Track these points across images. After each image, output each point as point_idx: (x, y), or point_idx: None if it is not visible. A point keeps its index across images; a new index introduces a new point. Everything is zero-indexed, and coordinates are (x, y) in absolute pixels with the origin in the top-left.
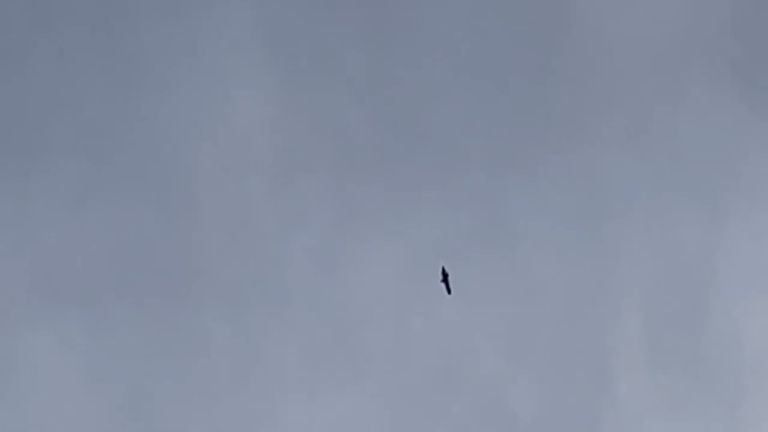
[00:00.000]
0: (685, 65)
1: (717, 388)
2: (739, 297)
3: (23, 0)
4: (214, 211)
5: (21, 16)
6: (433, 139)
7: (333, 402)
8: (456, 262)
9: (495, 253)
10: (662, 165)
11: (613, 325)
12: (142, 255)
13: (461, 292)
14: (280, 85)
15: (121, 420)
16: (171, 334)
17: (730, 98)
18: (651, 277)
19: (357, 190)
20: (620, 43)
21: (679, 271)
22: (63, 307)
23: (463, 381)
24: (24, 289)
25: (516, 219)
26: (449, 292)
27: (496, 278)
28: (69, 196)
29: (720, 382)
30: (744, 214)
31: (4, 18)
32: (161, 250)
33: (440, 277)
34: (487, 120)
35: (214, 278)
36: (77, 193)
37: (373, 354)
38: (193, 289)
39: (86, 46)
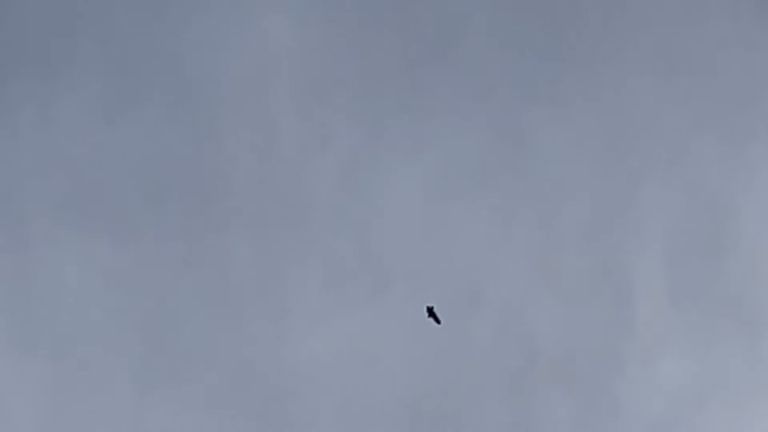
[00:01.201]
0: None
1: (737, 319)
2: (762, 227)
3: None
4: (240, 127)
5: None
6: (457, 59)
7: (354, 319)
8: (479, 183)
9: (518, 176)
10: (689, 91)
11: (634, 253)
12: (166, 169)
13: (483, 215)
14: (308, 3)
15: (143, 332)
16: (194, 248)
17: (758, 25)
18: (674, 204)
19: (382, 110)
20: None
21: (702, 200)
22: (86, 219)
23: (484, 302)
24: (47, 201)
25: (539, 142)
26: (438, 322)
27: (518, 201)
28: (94, 107)
29: (740, 313)
30: None
31: None
32: (186, 165)
33: (426, 314)
34: (512, 41)
35: (239, 194)
36: (103, 105)
37: (395, 273)
38: (216, 205)
39: None
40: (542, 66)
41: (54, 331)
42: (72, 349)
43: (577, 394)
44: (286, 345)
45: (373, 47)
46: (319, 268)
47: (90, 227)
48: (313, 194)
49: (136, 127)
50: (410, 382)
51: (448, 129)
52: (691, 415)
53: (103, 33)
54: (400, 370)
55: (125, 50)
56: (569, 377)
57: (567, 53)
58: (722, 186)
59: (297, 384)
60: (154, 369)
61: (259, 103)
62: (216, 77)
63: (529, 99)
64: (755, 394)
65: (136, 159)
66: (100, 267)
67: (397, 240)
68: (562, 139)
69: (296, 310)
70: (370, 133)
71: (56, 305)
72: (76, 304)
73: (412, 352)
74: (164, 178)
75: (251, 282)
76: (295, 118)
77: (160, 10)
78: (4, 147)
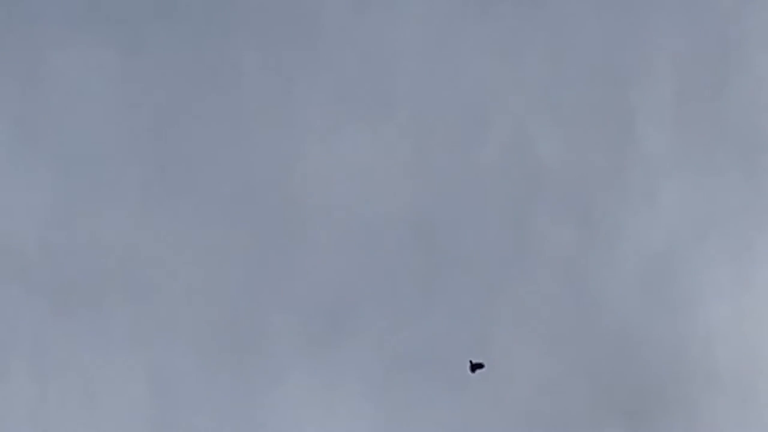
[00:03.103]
0: None
1: (740, 150)
2: None
3: None
4: None
5: None
6: None
7: (361, 136)
8: (484, 12)
9: (524, 4)
10: None
11: (641, 81)
12: None
13: (493, 41)
14: None
15: (149, 144)
16: (203, 63)
17: None
18: (682, 34)
19: None
20: None
21: (710, 31)
22: (96, 29)
23: (489, 127)
24: (57, 7)
25: None
26: (473, 370)
27: (526, 29)
28: None
29: (743, 144)
30: None
31: None
32: None
33: (470, 367)
34: None
35: (250, 8)
36: None
37: (402, 95)
38: (228, 18)
39: None
40: None
41: (59, 138)
42: (77, 157)
43: (579, 222)
44: (292, 159)
45: None
46: (328, 86)
47: (97, 35)
48: (324, 10)
49: None
50: (414, 200)
51: None
52: (691, 246)
53: None
54: (404, 187)
55: None
56: (572, 204)
57: None
58: (731, 14)
59: (302, 197)
60: (161, 181)
61: None
62: None
63: None
64: (757, 227)
65: None
66: (109, 74)
67: (406, 61)
68: None
69: (303, 125)
70: None
71: (62, 112)
72: (82, 112)
73: (416, 170)
74: None
75: (257, 95)
76: None
77: None
78: None
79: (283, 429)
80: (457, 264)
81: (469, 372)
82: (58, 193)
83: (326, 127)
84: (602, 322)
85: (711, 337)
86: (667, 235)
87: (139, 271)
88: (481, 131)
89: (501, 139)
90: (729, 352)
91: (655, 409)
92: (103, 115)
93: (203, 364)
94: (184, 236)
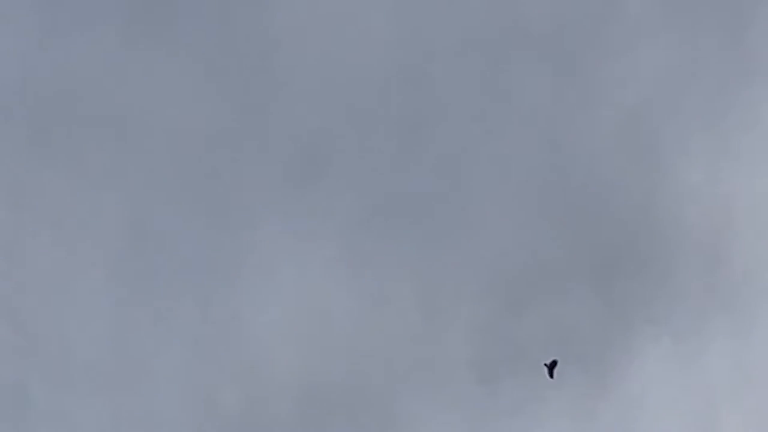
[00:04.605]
0: None
1: (724, 17)
2: None
3: None
4: None
5: None
6: None
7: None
8: None
9: None
10: None
11: None
12: None
13: None
14: None
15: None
16: None
17: None
18: None
19: None
20: None
21: None
22: None
23: None
24: None
25: None
26: (551, 371)
27: None
28: None
29: (728, 12)
30: None
31: None
32: None
33: (548, 366)
34: None
35: None
36: None
37: None
38: None
39: None
40: None
41: None
42: None
43: (555, 73)
44: (273, 5)
45: None
46: None
47: None
48: None
49: None
50: (394, 49)
51: None
52: (668, 106)
53: None
54: (384, 36)
55: None
56: (549, 57)
57: None
58: None
59: (283, 42)
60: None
61: None
62: None
63: None
64: (734, 93)
65: None
66: None
67: None
68: None
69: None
70: None
71: None
72: None
73: (397, 19)
74: None
75: None
76: None
77: None
78: None
79: (257, 273)
80: (435, 114)
81: (548, 377)
82: (42, 33)
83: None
84: (576, 177)
85: (683, 198)
86: (645, 92)
87: (119, 113)
88: None
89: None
90: (701, 212)
91: (624, 267)
92: None
93: (179, 208)
94: (163, 81)
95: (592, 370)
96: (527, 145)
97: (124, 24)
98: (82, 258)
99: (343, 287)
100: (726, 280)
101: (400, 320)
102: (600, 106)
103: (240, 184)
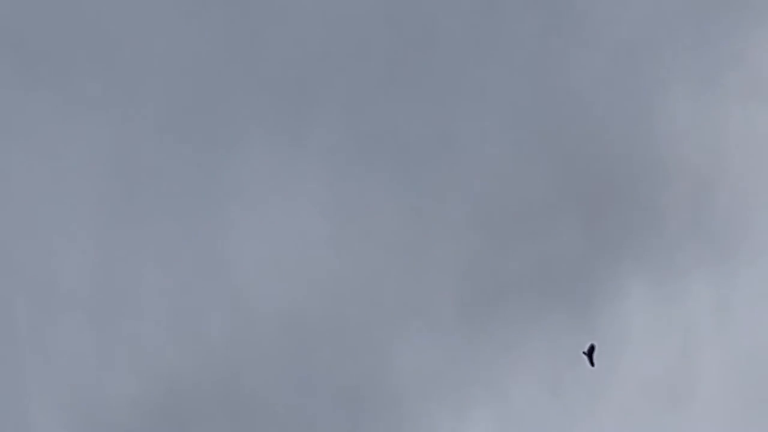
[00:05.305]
0: None
1: None
2: None
3: None
4: None
5: None
6: None
7: None
8: None
9: None
10: None
11: None
12: None
13: None
14: None
15: None
16: None
17: None
18: None
19: None
20: None
21: None
22: None
23: None
24: None
25: None
26: (592, 363)
27: None
28: None
29: None
30: None
31: None
32: None
33: (587, 352)
34: None
35: None
36: None
37: None
38: None
39: None
40: None
41: None
42: None
43: (549, 12)
44: None
45: None
46: None
47: None
48: None
49: None
50: None
51: None
52: (661, 39)
53: None
54: None
55: None
56: None
57: None
58: None
59: None
60: None
61: None
62: None
63: None
64: (729, 27)
65: None
66: None
67: None
68: None
69: None
70: None
71: None
72: None
73: None
74: None
75: None
76: None
77: None
78: None
79: (243, 203)
80: (424, 48)
81: (589, 365)
82: None
83: None
84: (564, 114)
85: (670, 136)
86: (634, 31)
87: (108, 42)
88: None
89: None
90: (687, 150)
91: (609, 204)
92: None
93: (166, 137)
94: (153, 10)
95: (576, 307)
96: (516, 82)
97: None
98: (68, 185)
99: (328, 218)
100: (710, 219)
101: (385, 253)
102: (589, 43)
103: (227, 114)
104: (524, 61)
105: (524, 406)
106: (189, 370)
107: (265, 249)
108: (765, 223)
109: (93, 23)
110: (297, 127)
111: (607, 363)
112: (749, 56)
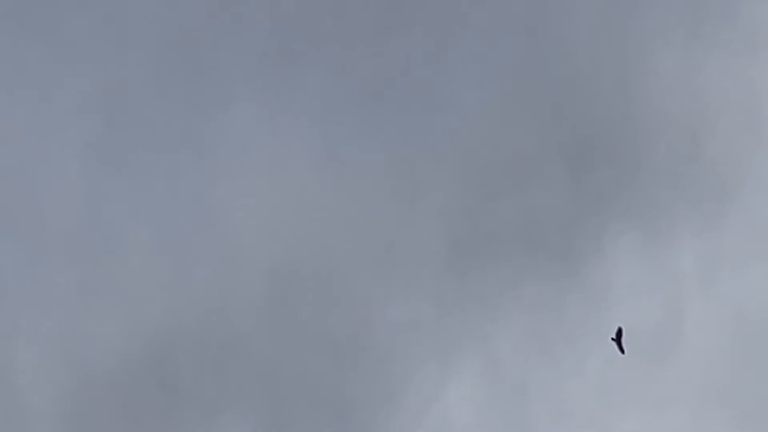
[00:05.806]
0: None
1: None
2: None
3: None
4: None
5: None
6: None
7: None
8: None
9: None
10: None
11: None
12: None
13: None
14: None
15: None
16: None
17: None
18: None
19: None
20: None
21: None
22: None
23: None
24: None
25: None
26: (622, 350)
27: None
28: None
29: None
30: None
31: None
32: None
33: (615, 336)
34: None
35: None
36: None
37: None
38: None
39: None
40: None
41: None
42: None
43: None
44: None
45: None
46: None
47: None
48: None
49: None
50: None
51: None
52: None
53: None
54: None
55: None
56: None
57: None
58: None
59: None
60: None
61: None
62: None
63: None
64: None
65: None
66: None
67: None
68: None
69: None
70: None
71: None
72: None
73: None
74: None
75: None
76: None
77: None
78: None
79: (231, 151)
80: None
81: (618, 350)
82: None
83: None
84: (552, 66)
85: (658, 88)
86: None
87: None
88: None
89: None
90: (675, 104)
91: (597, 157)
92: None
93: (155, 85)
94: None
95: (564, 260)
96: (504, 33)
97: None
98: (56, 133)
99: (315, 168)
100: (697, 172)
101: (373, 205)
102: None
103: (216, 62)
104: (512, 14)
105: (510, 358)
106: (175, 319)
107: (252, 198)
108: (752, 177)
109: None
110: (285, 77)
111: (593, 317)
112: (739, 9)
